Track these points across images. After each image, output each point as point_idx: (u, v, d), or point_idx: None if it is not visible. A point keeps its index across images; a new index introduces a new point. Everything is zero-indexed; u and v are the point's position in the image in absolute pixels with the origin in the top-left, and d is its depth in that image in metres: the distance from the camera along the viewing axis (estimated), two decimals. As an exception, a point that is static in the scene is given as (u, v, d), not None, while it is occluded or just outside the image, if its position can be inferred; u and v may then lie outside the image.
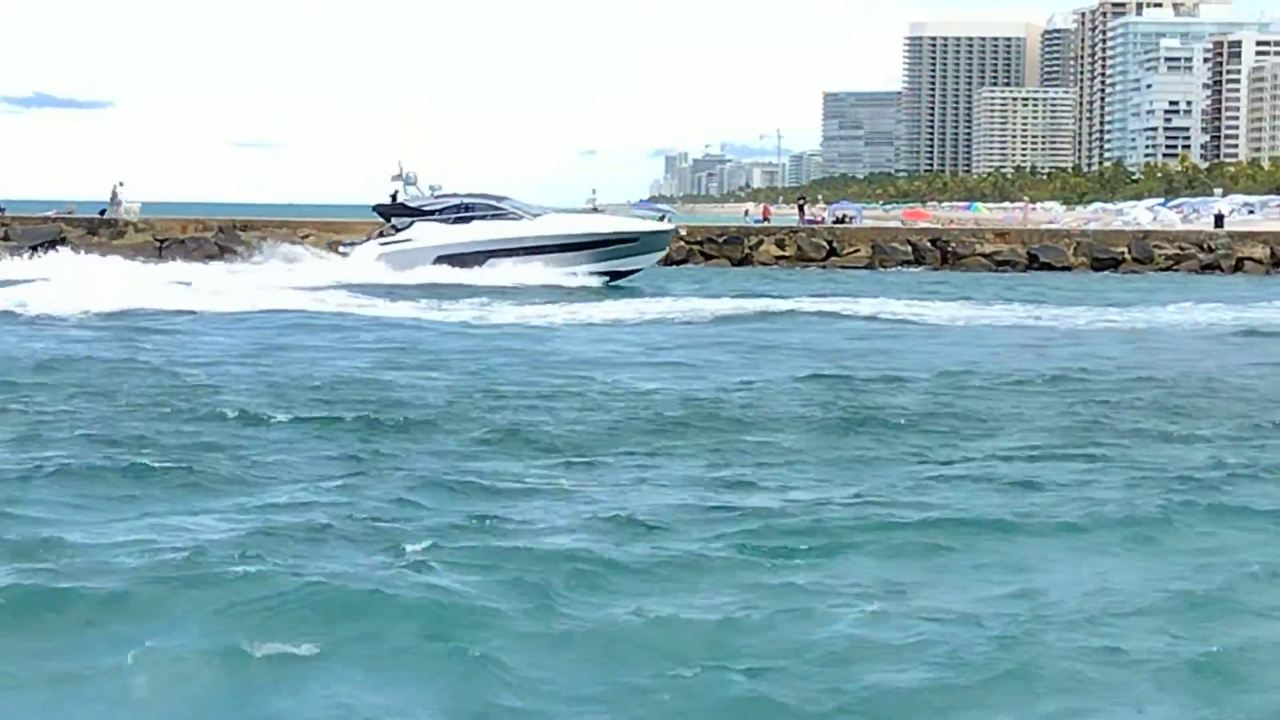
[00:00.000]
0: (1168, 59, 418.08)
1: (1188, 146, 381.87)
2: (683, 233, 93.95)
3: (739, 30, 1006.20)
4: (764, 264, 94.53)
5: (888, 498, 19.31)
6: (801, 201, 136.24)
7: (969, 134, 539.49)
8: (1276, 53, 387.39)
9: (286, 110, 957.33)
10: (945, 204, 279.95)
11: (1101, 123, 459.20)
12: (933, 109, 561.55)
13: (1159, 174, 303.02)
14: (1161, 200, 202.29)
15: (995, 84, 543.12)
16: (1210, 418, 27.29)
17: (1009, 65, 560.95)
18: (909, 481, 20.53)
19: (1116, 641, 13.17)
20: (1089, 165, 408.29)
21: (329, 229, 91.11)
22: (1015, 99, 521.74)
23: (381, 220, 74.83)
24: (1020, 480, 20.51)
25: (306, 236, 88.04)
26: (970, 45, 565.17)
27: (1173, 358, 39.70)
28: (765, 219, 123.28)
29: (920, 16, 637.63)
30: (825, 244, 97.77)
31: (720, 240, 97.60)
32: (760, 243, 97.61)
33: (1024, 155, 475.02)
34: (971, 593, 14.86)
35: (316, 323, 47.60)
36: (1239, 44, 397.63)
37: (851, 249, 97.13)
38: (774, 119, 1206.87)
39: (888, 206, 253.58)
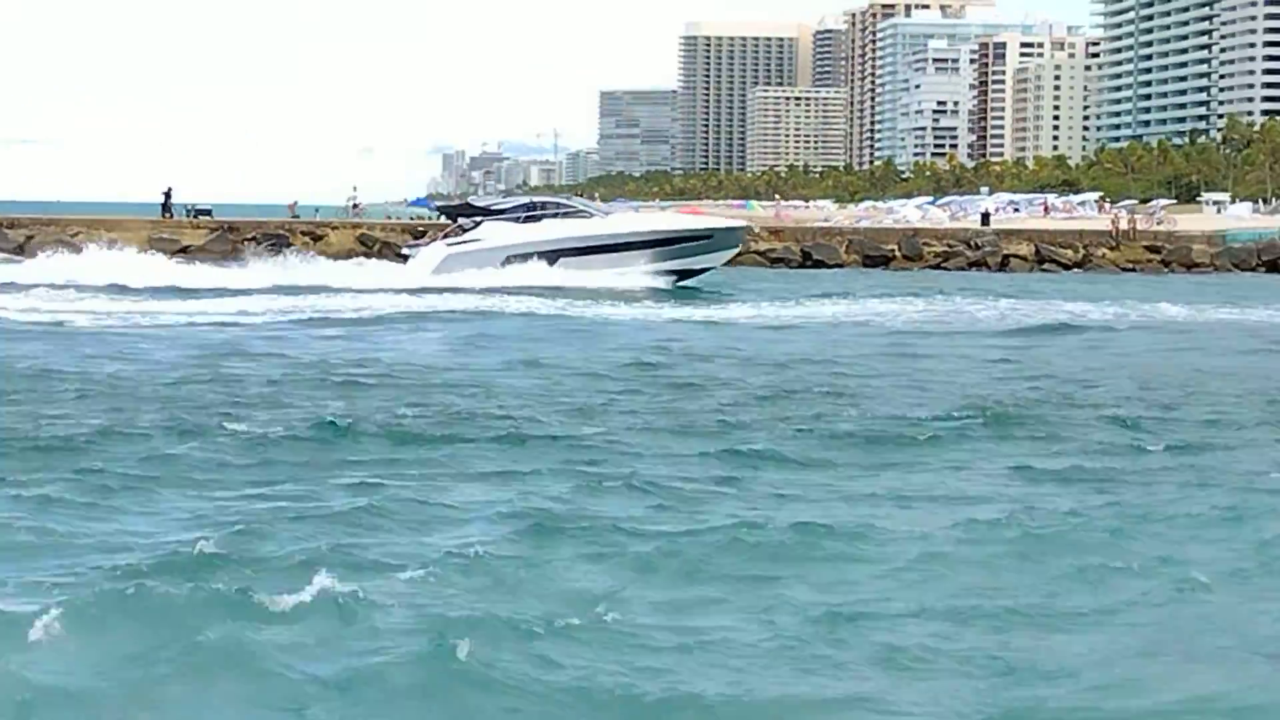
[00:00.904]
0: (935, 60, 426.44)
1: (955, 146, 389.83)
2: (755, 229, 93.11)
3: (516, 29, 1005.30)
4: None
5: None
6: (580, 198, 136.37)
7: (743, 133, 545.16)
8: (1040, 54, 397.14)
9: (57, 107, 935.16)
10: (720, 202, 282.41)
11: (872, 122, 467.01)
12: (707, 108, 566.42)
13: (928, 173, 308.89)
14: (930, 199, 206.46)
15: (769, 84, 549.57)
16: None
17: (782, 65, 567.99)
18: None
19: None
20: (860, 164, 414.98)
21: (99, 226, 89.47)
22: (788, 98, 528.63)
23: (447, 221, 74.54)
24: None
25: (76, 234, 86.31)
26: (744, 45, 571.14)
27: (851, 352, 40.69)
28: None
29: (695, 16, 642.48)
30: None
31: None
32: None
33: (797, 154, 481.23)
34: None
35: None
36: (1004, 45, 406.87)
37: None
38: (551, 117, 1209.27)
39: (664, 204, 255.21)
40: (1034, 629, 13.83)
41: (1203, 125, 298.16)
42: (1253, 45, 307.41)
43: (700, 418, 26.75)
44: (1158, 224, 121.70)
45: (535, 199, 76.54)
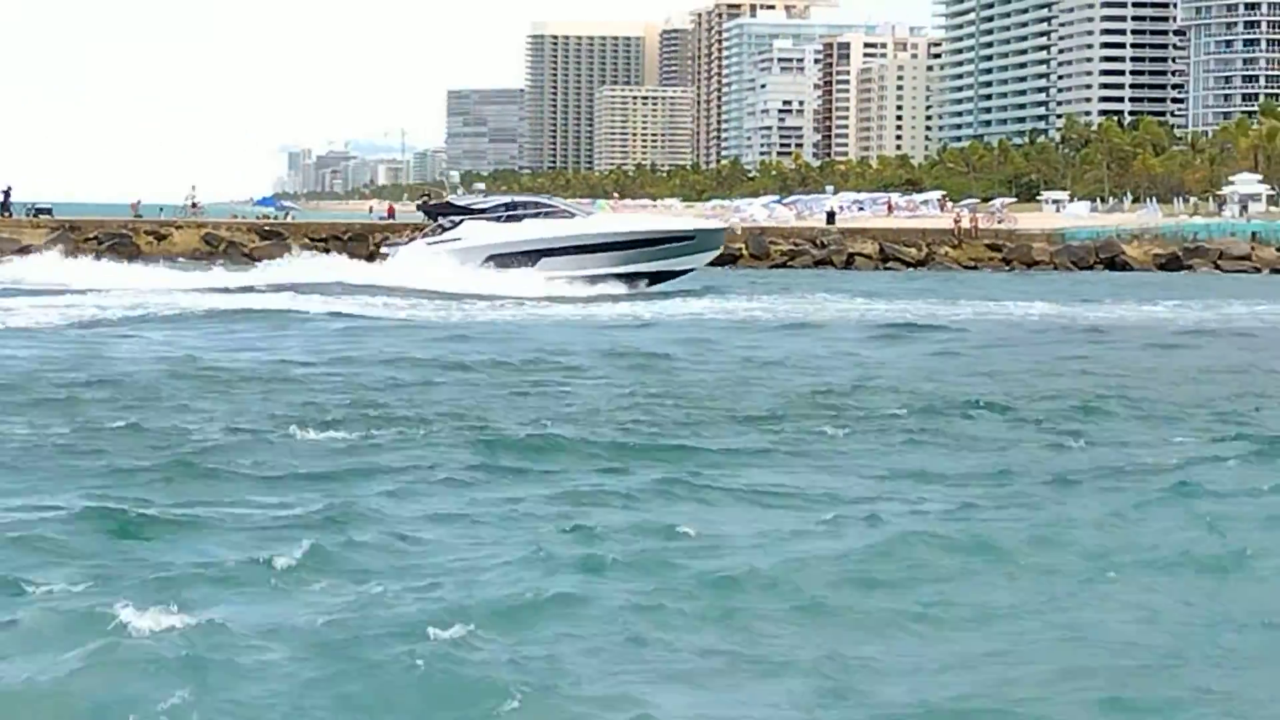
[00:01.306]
0: (781, 60, 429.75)
1: (801, 145, 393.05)
2: (737, 231, 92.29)
3: (362, 27, 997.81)
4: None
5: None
6: (426, 198, 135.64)
7: (590, 132, 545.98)
8: (883, 54, 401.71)
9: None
10: (569, 201, 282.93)
11: (719, 122, 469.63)
12: (555, 107, 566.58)
13: (774, 172, 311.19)
14: (777, 197, 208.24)
15: (616, 83, 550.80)
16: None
17: (629, 64, 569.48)
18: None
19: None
20: (707, 163, 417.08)
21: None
22: (635, 97, 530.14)
23: (426, 219, 73.94)
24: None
25: None
26: (591, 44, 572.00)
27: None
28: (390, 216, 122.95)
29: (541, 16, 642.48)
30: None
31: (346, 237, 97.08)
32: (386, 239, 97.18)
33: (644, 153, 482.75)
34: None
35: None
36: (848, 46, 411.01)
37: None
38: (398, 116, 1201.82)
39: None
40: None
41: (1042, 125, 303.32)
42: (1090, 47, 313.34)
43: (593, 414, 27.04)
44: (999, 222, 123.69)
45: (516, 198, 75.51)
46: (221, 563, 15.74)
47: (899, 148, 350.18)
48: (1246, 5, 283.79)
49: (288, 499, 19.02)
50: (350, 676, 12.32)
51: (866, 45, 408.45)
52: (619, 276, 67.10)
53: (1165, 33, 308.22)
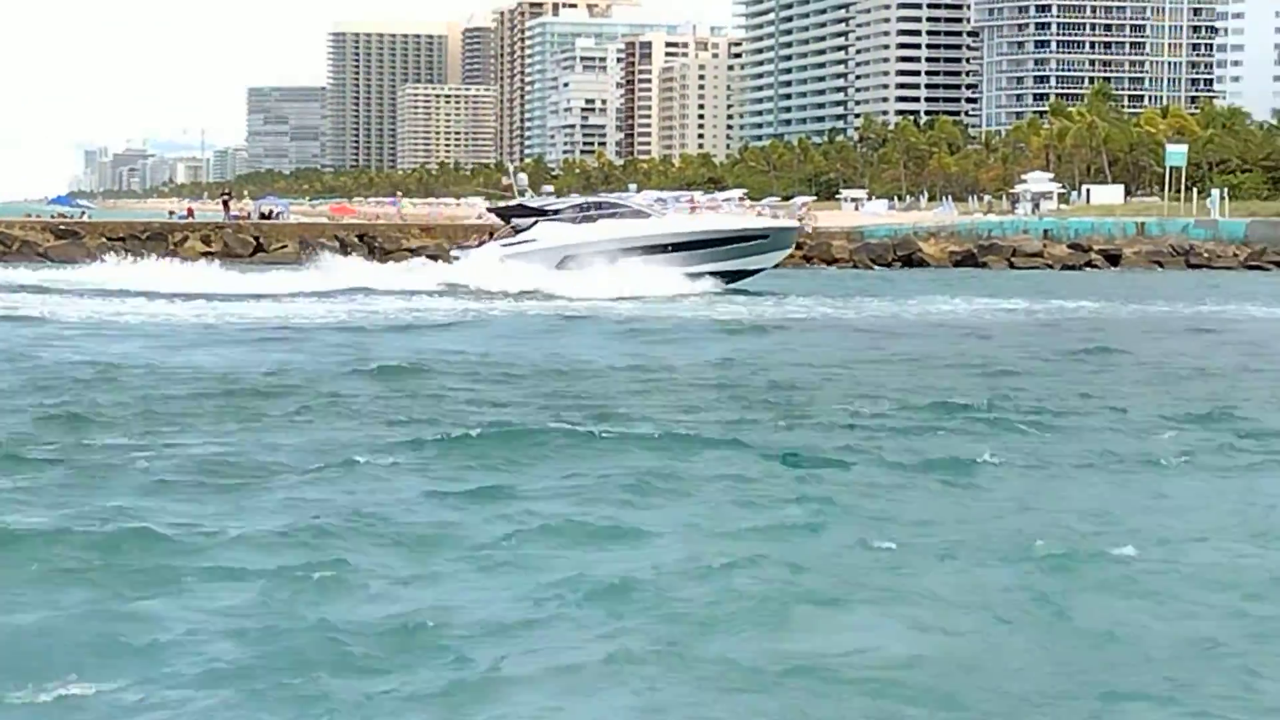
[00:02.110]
0: (583, 59, 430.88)
1: (604, 144, 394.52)
2: (808, 230, 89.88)
3: (161, 22, 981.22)
4: (191, 260, 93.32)
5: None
6: (226, 197, 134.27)
7: (394, 130, 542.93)
8: (685, 54, 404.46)
9: None
10: (372, 199, 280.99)
11: (522, 120, 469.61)
12: (357, 105, 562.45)
13: (577, 170, 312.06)
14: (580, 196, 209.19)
15: (418, 81, 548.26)
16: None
17: (431, 62, 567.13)
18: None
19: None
20: (511, 161, 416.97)
21: None
22: (438, 96, 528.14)
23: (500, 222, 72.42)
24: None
25: None
26: (393, 42, 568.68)
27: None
28: (189, 215, 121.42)
29: (343, 13, 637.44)
30: (252, 240, 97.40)
31: (144, 236, 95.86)
32: (185, 239, 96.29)
33: (448, 151, 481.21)
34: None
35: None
36: (649, 45, 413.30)
37: (279, 245, 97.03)
38: (198, 114, 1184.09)
39: (315, 202, 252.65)
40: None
41: (841, 125, 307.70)
42: (886, 48, 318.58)
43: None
44: (799, 220, 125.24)
45: (590, 199, 74.68)
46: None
47: (701, 146, 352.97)
48: (1038, 7, 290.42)
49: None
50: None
51: (668, 45, 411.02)
52: (696, 276, 66.87)
53: (959, 34, 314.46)
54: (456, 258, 72.11)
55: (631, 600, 14.76)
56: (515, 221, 70.38)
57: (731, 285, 67.82)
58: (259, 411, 27.11)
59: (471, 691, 12.34)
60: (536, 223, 69.16)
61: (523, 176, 75.23)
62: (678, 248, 67.71)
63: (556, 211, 71.39)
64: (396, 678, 12.66)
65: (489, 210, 75.92)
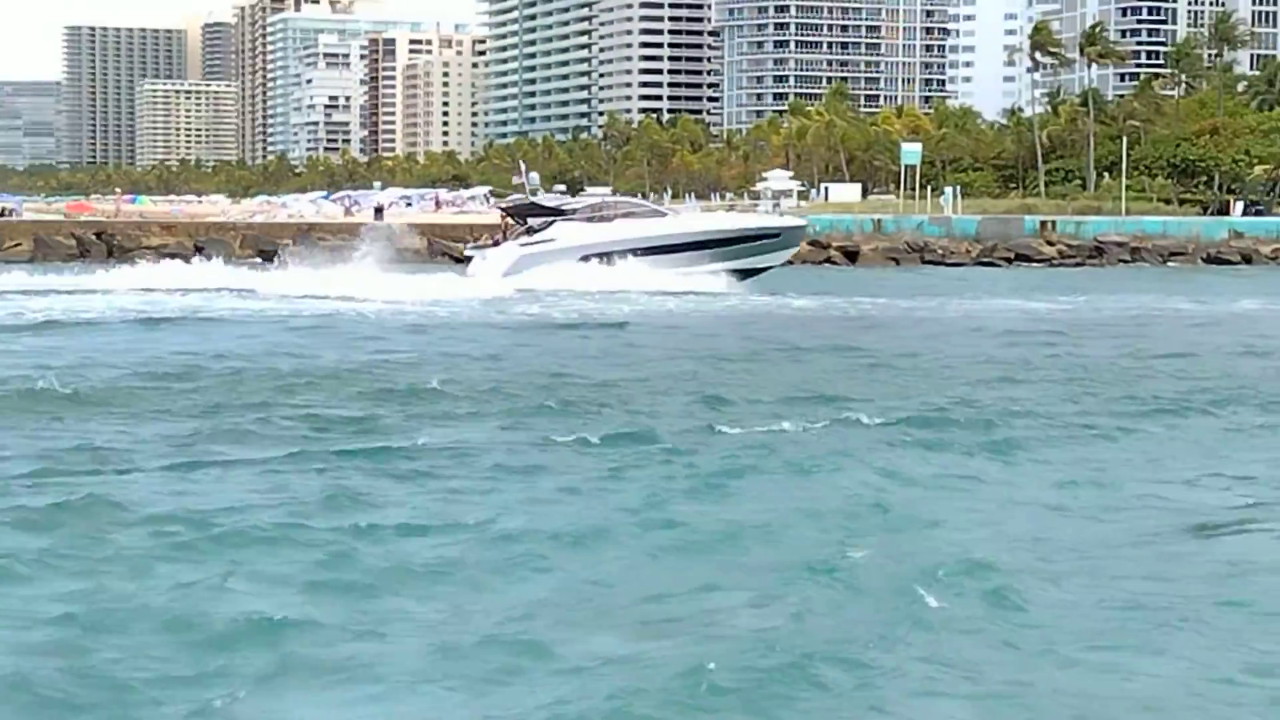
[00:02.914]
0: (326, 55, 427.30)
1: (348, 141, 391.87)
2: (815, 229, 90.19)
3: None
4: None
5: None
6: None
7: (132, 126, 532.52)
8: (429, 51, 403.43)
9: None
10: (110, 197, 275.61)
11: (264, 117, 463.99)
12: (94, 100, 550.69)
13: (321, 167, 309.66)
14: (325, 193, 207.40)
15: (157, 76, 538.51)
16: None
17: (170, 58, 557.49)
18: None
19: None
20: (254, 159, 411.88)
21: None
22: (178, 92, 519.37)
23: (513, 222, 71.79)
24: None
25: None
26: (130, 36, 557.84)
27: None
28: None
29: (79, 6, 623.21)
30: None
31: None
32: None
33: (189, 148, 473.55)
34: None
35: None
36: (393, 42, 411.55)
37: (13, 243, 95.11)
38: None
39: (50, 199, 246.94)
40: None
41: (585, 123, 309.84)
42: (629, 46, 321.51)
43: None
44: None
45: (605, 199, 75.26)
46: None
47: (446, 144, 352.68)
48: (776, 8, 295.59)
49: None
50: None
51: (412, 42, 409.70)
52: (710, 274, 67.27)
53: (701, 33, 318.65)
54: (470, 257, 72.53)
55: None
56: (532, 221, 70.41)
57: (743, 282, 68.75)
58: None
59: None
60: (554, 222, 69.35)
61: (534, 175, 75.58)
62: (693, 247, 68.71)
63: (573, 211, 71.59)
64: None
65: (499, 209, 75.40)
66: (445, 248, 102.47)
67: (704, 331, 47.44)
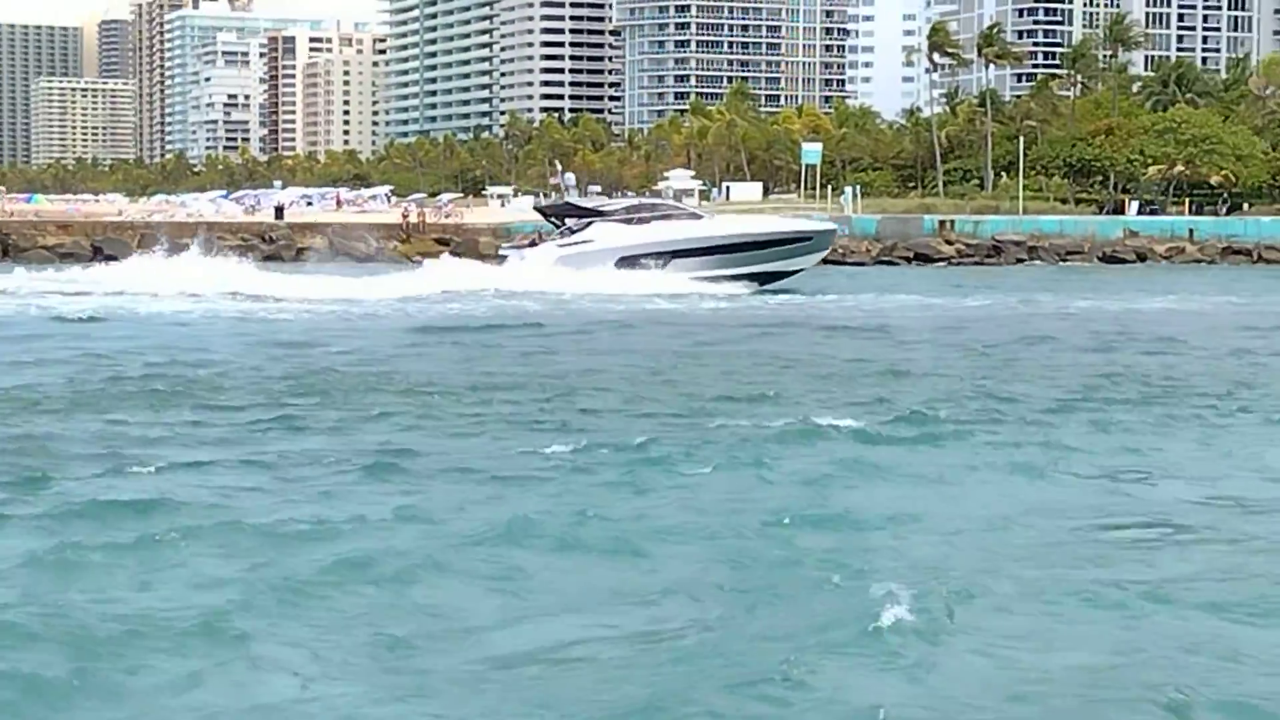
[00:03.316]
0: (225, 53, 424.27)
1: (248, 139, 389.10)
2: (844, 233, 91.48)
3: None
4: None
5: None
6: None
7: (27, 124, 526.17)
8: (329, 49, 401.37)
9: None
10: (5, 196, 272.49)
11: (163, 115, 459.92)
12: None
13: (220, 166, 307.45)
14: (224, 192, 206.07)
15: (53, 73, 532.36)
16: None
17: (66, 55, 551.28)
18: None
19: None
20: (152, 157, 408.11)
21: None
22: (74, 89, 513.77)
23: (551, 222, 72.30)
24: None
25: None
26: (26, 33, 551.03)
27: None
28: None
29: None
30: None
31: None
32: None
33: (85, 146, 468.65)
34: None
35: None
36: (293, 40, 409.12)
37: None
38: None
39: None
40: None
41: (487, 122, 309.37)
42: (530, 45, 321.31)
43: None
44: (445, 217, 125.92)
45: (642, 200, 75.69)
46: None
47: (347, 143, 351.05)
48: (677, 7, 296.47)
49: None
50: None
51: (312, 40, 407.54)
52: (744, 276, 67.93)
53: (602, 32, 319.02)
54: (504, 256, 72.60)
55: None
56: (570, 222, 70.73)
57: (771, 286, 69.33)
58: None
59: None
60: (592, 223, 69.67)
61: (570, 176, 75.85)
62: (729, 249, 69.08)
63: (610, 213, 71.82)
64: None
65: (535, 209, 76.25)
66: (347, 247, 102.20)
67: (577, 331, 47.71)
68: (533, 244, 72.43)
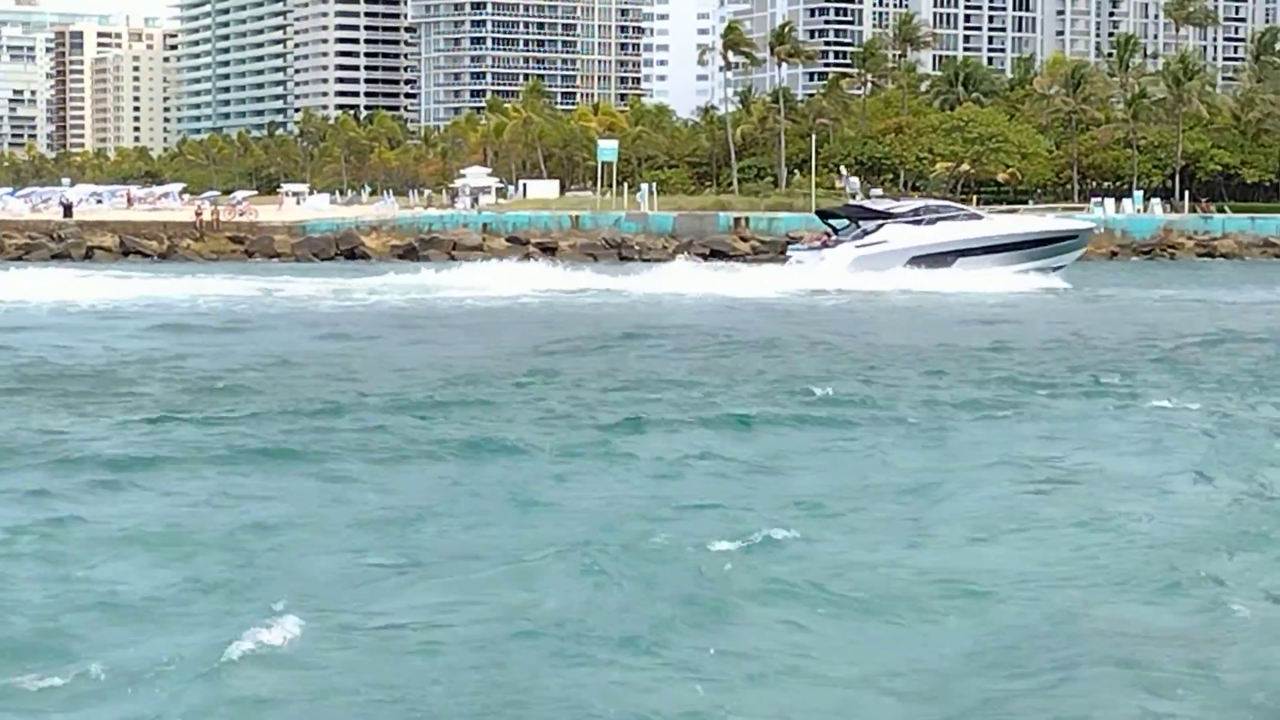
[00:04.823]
0: (10, 48, 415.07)
1: (34, 136, 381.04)
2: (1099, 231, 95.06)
3: None
4: None
5: None
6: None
7: None
8: (118, 44, 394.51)
9: None
10: None
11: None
12: None
13: (6, 163, 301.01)
14: (10, 190, 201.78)
15: None
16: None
17: None
18: None
19: None
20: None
21: None
22: None
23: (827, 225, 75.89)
24: None
25: None
26: None
27: None
28: None
29: None
30: None
31: None
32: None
33: None
34: None
35: None
36: (81, 35, 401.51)
37: None
38: None
39: None
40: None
41: (281, 119, 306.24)
42: (325, 42, 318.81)
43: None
44: (240, 215, 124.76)
45: (928, 202, 78.58)
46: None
47: (138, 139, 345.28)
48: (473, 5, 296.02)
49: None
50: None
51: (100, 35, 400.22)
52: (1022, 273, 70.03)
53: (398, 29, 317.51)
54: (788, 256, 75.75)
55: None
56: (863, 224, 73.23)
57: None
58: None
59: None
60: (884, 225, 72.11)
61: (854, 180, 77.36)
62: (1010, 247, 72.15)
63: (901, 214, 74.05)
64: None
65: (816, 214, 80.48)
66: (138, 245, 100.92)
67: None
68: (823, 245, 74.92)
